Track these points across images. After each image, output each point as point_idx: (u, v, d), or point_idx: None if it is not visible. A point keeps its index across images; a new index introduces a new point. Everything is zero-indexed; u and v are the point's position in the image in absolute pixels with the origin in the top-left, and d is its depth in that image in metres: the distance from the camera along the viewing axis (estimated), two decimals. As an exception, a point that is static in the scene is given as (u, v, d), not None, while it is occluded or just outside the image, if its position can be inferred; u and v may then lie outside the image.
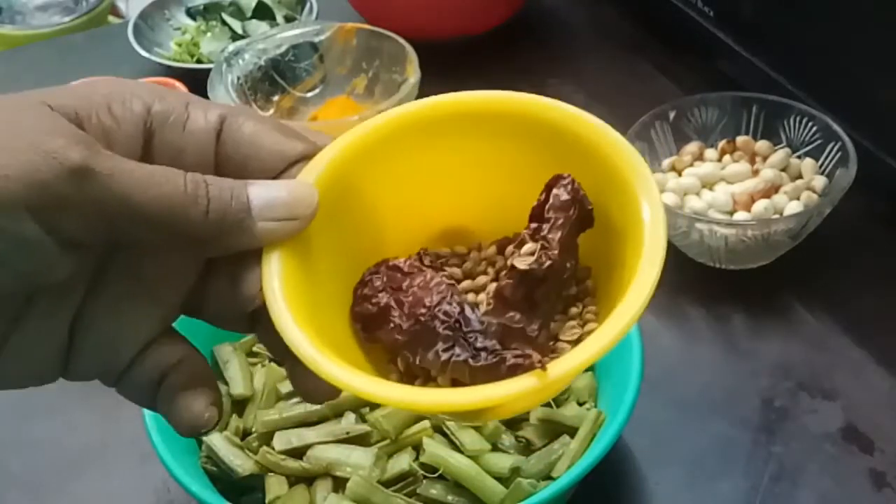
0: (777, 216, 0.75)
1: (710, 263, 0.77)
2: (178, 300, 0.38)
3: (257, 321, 0.37)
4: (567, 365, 0.34)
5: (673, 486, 0.66)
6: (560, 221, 0.37)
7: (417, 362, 0.37)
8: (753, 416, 0.69)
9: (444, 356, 0.36)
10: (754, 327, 0.75)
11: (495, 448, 0.62)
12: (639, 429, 0.65)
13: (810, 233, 0.76)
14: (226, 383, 0.66)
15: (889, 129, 0.78)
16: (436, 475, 0.60)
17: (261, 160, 0.37)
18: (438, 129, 0.40)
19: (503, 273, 0.38)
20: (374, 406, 0.63)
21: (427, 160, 0.41)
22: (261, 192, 0.36)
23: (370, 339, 0.39)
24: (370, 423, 0.62)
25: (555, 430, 0.63)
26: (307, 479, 0.61)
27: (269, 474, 0.61)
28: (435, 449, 0.60)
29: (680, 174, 0.80)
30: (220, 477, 0.62)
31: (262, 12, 1.07)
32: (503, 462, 0.60)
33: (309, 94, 0.96)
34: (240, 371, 0.66)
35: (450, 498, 0.60)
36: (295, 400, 0.64)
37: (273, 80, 0.93)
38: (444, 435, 0.62)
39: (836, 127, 0.78)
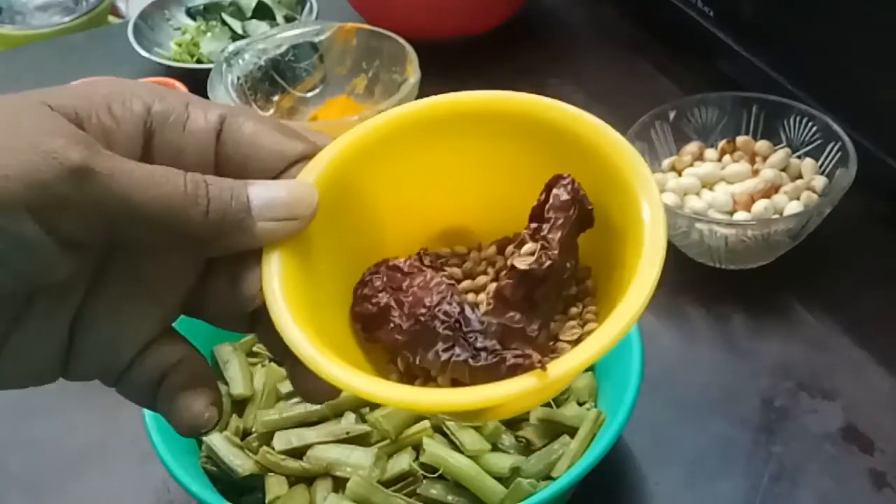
0: (777, 216, 0.75)
1: (710, 263, 0.77)
2: (178, 300, 0.38)
3: (257, 321, 0.37)
4: (567, 365, 0.34)
5: (673, 486, 0.66)
6: (560, 221, 0.37)
7: (417, 362, 0.37)
8: (753, 416, 0.69)
9: (444, 356, 0.36)
10: (754, 327, 0.75)
11: (495, 448, 0.62)
12: (639, 429, 0.65)
13: (810, 233, 0.76)
14: (226, 383, 0.66)
15: (889, 129, 0.78)
16: (436, 475, 0.60)
17: (261, 160, 0.37)
18: (438, 129, 0.40)
19: (503, 273, 0.38)
20: (374, 406, 0.63)
21: (427, 160, 0.41)
22: (261, 192, 0.36)
23: (370, 339, 0.39)
24: (370, 423, 0.62)
25: (555, 430, 0.63)
26: (307, 479, 0.61)
27: (269, 474, 0.61)
28: (435, 449, 0.60)
29: (680, 174, 0.80)
30: (220, 477, 0.62)
31: (262, 12, 1.07)
32: (503, 462, 0.60)
33: (309, 94, 0.95)
34: (240, 371, 0.66)
35: (450, 498, 0.60)
36: (295, 400, 0.64)
37: (273, 80, 0.93)
38: (444, 435, 0.62)
39: (836, 127, 0.78)
